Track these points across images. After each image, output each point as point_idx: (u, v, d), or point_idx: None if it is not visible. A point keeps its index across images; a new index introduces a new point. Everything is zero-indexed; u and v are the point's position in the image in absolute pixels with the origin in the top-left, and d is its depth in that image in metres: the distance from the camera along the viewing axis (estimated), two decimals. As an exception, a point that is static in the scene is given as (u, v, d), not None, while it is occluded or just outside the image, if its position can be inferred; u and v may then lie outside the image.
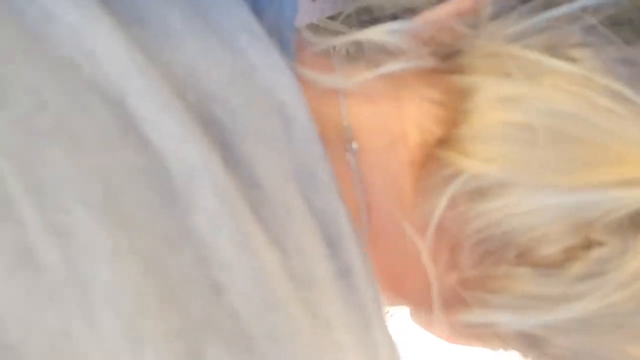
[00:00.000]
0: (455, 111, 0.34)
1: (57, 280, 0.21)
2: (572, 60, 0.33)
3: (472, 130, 0.33)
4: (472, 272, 0.34)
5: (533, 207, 0.32)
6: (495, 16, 0.35)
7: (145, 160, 0.24)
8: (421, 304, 0.37)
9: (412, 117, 0.35)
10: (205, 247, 0.24)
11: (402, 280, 0.36)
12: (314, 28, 0.35)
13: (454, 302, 0.35)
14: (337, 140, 0.34)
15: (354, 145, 0.34)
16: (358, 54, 0.35)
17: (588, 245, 0.32)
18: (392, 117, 0.35)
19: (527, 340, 0.34)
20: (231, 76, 0.29)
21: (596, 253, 0.32)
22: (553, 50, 0.33)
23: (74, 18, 0.25)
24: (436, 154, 0.34)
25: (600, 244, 0.32)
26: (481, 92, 0.33)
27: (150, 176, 0.24)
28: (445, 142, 0.34)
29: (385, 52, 0.35)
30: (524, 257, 0.33)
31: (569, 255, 0.32)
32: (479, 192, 0.32)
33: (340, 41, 0.34)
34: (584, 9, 0.34)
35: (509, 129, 0.32)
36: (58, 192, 0.22)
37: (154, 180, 0.24)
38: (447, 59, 0.35)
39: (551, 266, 0.32)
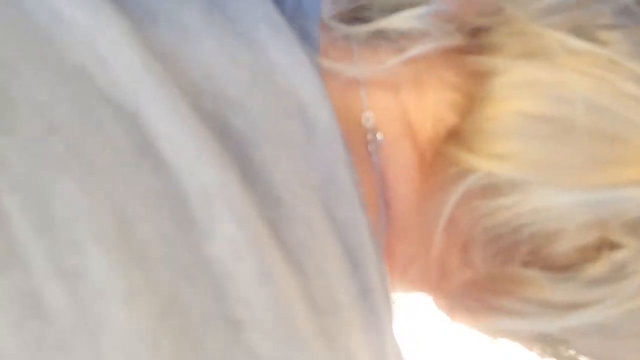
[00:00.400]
0: (469, 97, 0.33)
1: (66, 327, 0.20)
2: (600, 42, 0.31)
3: (484, 121, 0.31)
4: (484, 270, 0.33)
5: (545, 205, 0.31)
6: None
7: (161, 184, 0.23)
8: (436, 295, 0.36)
9: (430, 104, 0.33)
10: (223, 279, 0.22)
11: (417, 273, 0.35)
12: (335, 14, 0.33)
13: (464, 302, 0.34)
14: (358, 132, 0.32)
15: (379, 136, 0.32)
16: (379, 39, 0.33)
17: (603, 245, 0.31)
18: (412, 105, 0.33)
19: (543, 341, 0.34)
20: (250, 77, 0.27)
21: (613, 255, 0.31)
22: (580, 30, 0.31)
23: (85, 21, 0.23)
24: (444, 149, 0.33)
25: (616, 245, 0.31)
26: (498, 75, 0.32)
27: (166, 202, 0.22)
28: (456, 134, 0.32)
29: (407, 36, 0.33)
30: (536, 255, 0.32)
31: (584, 256, 0.31)
32: (490, 190, 0.31)
33: (365, 29, 0.32)
34: (617, -13, 0.32)
35: (523, 121, 0.31)
36: (68, 229, 0.20)
37: (171, 206, 0.22)
38: (473, 37, 0.33)
39: (564, 268, 0.32)
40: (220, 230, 0.23)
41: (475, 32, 0.33)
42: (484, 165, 0.31)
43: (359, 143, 0.32)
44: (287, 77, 0.28)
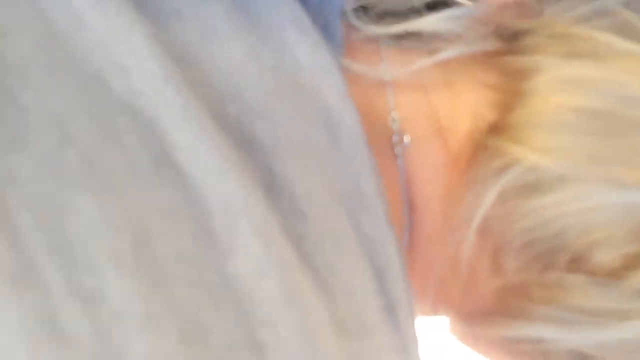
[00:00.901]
0: (511, 94, 0.31)
1: (88, 353, 0.19)
2: None
3: (530, 115, 0.30)
4: (517, 278, 0.32)
5: (593, 204, 0.29)
6: None
7: (181, 199, 0.21)
8: (460, 313, 0.35)
9: (465, 103, 0.32)
10: (247, 299, 0.21)
11: (441, 285, 0.33)
12: (361, 12, 0.32)
13: (495, 312, 0.33)
14: (383, 134, 0.31)
15: (406, 138, 0.31)
16: (408, 40, 0.32)
17: None
18: (443, 105, 0.32)
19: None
20: (275, 81, 0.26)
21: None
22: (626, 32, 0.31)
23: (105, 25, 0.22)
24: (487, 142, 0.31)
25: None
26: (543, 72, 0.30)
27: (186, 218, 0.21)
28: (498, 128, 0.31)
29: (439, 38, 0.31)
30: (578, 263, 0.31)
31: (629, 264, 0.30)
32: (533, 187, 0.30)
33: (394, 30, 0.31)
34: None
35: (572, 115, 0.30)
36: (84, 248, 0.19)
37: (191, 222, 0.21)
38: (509, 41, 0.32)
39: (608, 275, 0.30)
40: (243, 247, 0.21)
41: (513, 35, 0.32)
42: (530, 156, 0.29)
43: (384, 145, 0.31)
44: (312, 80, 0.27)
